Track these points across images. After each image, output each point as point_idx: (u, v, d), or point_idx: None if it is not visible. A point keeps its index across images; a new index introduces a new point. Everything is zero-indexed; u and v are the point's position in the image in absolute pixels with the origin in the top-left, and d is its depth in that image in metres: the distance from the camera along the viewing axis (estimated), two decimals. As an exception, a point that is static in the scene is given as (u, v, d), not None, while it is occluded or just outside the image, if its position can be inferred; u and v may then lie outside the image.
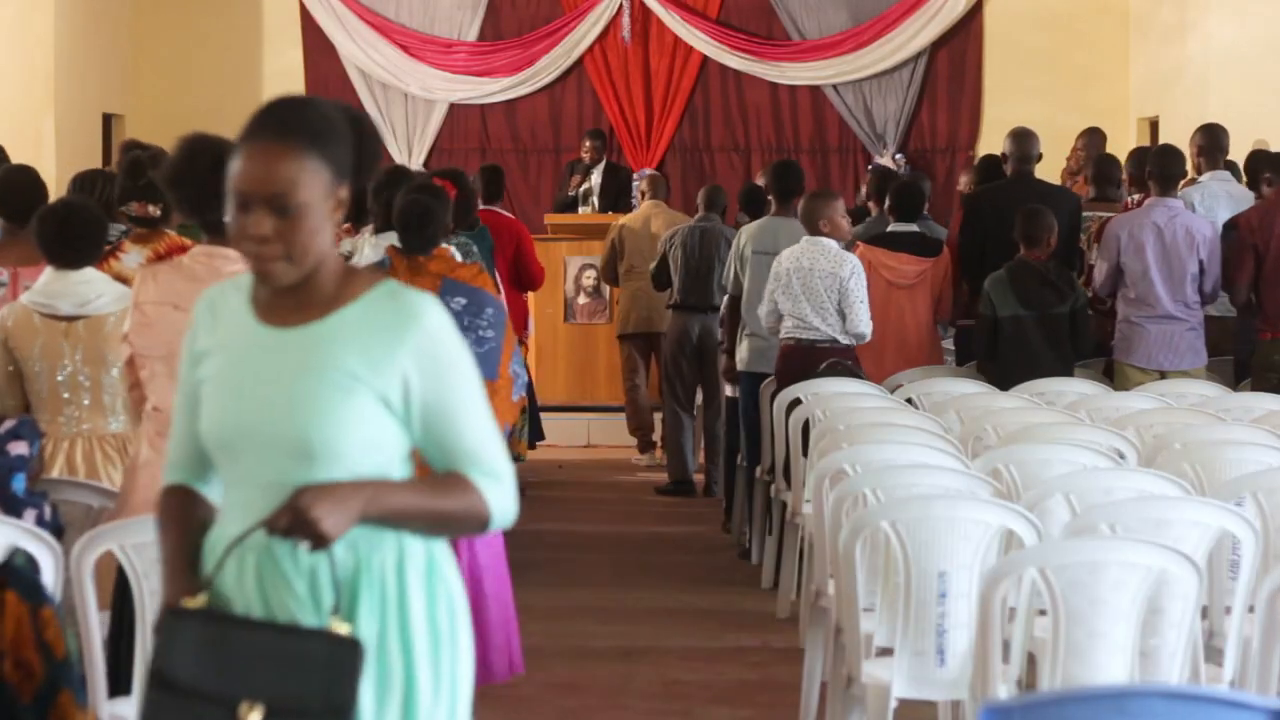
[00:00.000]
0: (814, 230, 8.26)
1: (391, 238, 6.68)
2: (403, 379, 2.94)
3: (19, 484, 4.68)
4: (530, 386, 10.33)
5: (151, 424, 4.39)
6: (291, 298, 2.97)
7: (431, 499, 2.97)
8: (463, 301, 5.85)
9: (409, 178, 7.02)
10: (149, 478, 4.37)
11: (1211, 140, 9.23)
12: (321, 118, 2.93)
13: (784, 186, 9.11)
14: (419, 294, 2.98)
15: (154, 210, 5.94)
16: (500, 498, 3.00)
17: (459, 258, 6.51)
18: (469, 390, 2.99)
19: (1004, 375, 7.81)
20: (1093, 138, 11.34)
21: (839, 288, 8.13)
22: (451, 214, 6.84)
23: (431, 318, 2.96)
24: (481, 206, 10.53)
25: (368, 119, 3.08)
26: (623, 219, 11.61)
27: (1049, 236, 8.15)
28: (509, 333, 6.01)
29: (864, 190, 11.56)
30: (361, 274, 3.03)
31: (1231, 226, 8.58)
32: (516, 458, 9.85)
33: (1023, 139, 9.05)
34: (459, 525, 3.03)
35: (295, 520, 2.82)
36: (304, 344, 2.95)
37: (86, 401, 5.34)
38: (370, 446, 2.93)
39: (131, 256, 5.96)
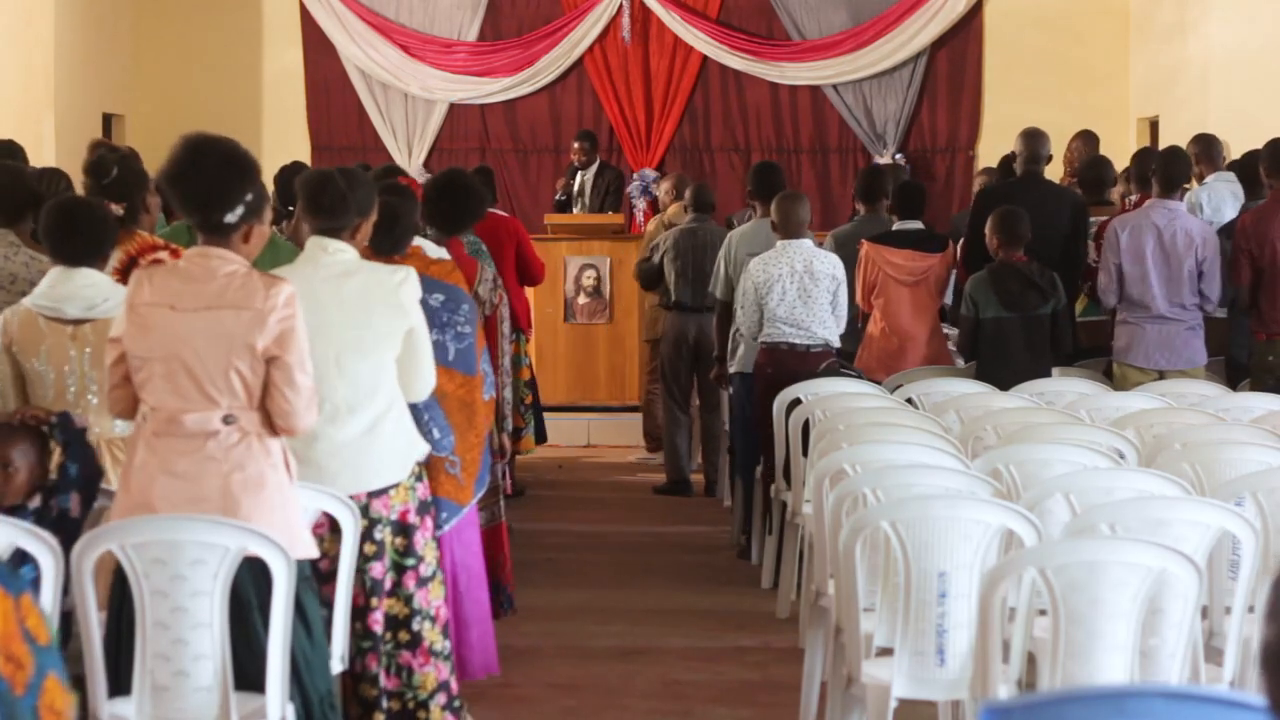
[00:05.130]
0: (798, 233, 8.31)
1: None
2: None
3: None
4: (535, 385, 10.34)
5: (150, 425, 4.39)
6: None
7: None
8: (441, 298, 5.89)
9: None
10: (145, 479, 4.38)
11: (1206, 147, 9.47)
12: None
13: (769, 188, 9.10)
14: None
15: (117, 209, 5.88)
16: None
17: (434, 254, 6.52)
18: None
19: (983, 375, 7.85)
20: (1086, 140, 11.35)
21: (836, 289, 8.24)
22: (460, 213, 6.93)
23: None
24: None
25: None
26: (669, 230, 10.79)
27: (1028, 236, 8.18)
28: (480, 330, 6.07)
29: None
30: None
31: (1227, 234, 8.58)
32: (520, 453, 9.87)
33: (1033, 139, 9.08)
34: None
35: None
36: None
37: (93, 404, 5.33)
38: None
39: None
